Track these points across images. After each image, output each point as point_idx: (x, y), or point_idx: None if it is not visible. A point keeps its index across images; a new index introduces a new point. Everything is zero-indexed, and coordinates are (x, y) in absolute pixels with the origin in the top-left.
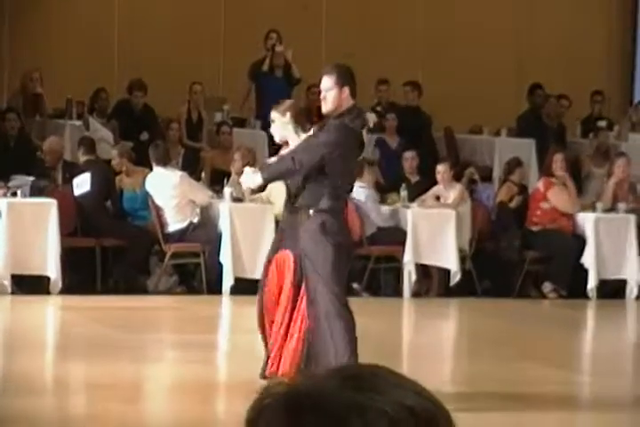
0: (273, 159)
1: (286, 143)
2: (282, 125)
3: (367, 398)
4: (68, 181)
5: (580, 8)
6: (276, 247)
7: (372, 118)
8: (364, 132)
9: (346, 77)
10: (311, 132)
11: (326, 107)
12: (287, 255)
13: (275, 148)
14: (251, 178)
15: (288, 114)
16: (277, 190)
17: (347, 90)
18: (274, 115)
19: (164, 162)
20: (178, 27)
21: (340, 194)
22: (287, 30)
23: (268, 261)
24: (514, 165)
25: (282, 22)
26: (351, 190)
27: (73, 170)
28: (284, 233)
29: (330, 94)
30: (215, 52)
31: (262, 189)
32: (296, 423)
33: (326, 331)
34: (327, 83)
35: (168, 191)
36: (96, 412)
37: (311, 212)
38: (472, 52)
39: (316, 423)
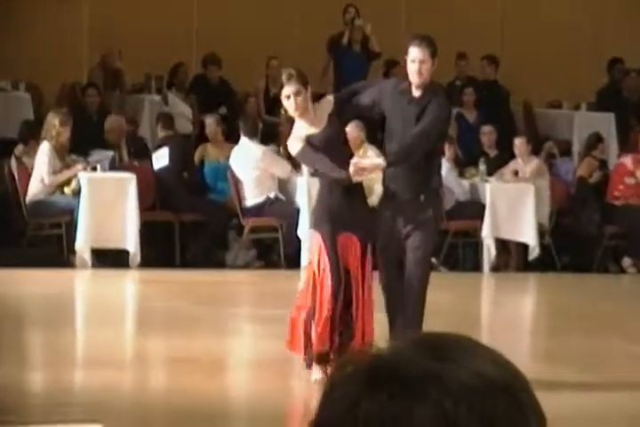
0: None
1: (292, 120)
2: (306, 100)
3: (445, 367)
4: (135, 155)
5: None
6: (338, 227)
7: None
8: None
9: (436, 50)
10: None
11: (421, 79)
12: (352, 240)
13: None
14: (373, 165)
15: (309, 88)
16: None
17: (436, 62)
18: (297, 88)
19: (252, 134)
20: (255, 1)
21: (440, 170)
22: (365, 4)
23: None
24: (595, 140)
25: None
26: None
27: (137, 144)
28: (348, 215)
29: (425, 67)
30: (292, 25)
31: None
32: (373, 392)
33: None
34: (423, 55)
35: (250, 163)
36: (174, 385)
37: (422, 197)
38: (550, 27)
39: (393, 393)
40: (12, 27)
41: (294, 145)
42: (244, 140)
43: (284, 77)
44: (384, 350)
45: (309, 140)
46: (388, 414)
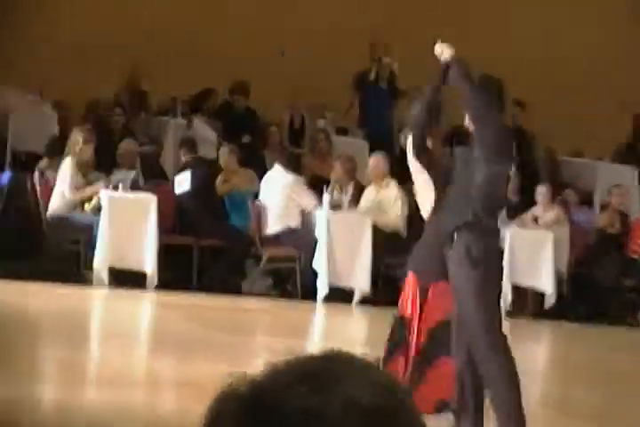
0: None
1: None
2: None
3: (323, 400)
4: (150, 178)
5: None
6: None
7: None
8: None
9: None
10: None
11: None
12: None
13: None
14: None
15: None
16: (389, 199)
17: None
18: None
19: (286, 164)
20: (287, 33)
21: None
22: (393, 42)
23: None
24: (616, 191)
25: (388, 33)
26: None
27: (154, 167)
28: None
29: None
30: (322, 59)
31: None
32: None
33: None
34: None
35: (279, 190)
36: (182, 409)
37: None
38: (579, 79)
39: None
40: (33, 38)
41: None
42: (277, 167)
43: None
44: (263, 382)
45: None
46: None
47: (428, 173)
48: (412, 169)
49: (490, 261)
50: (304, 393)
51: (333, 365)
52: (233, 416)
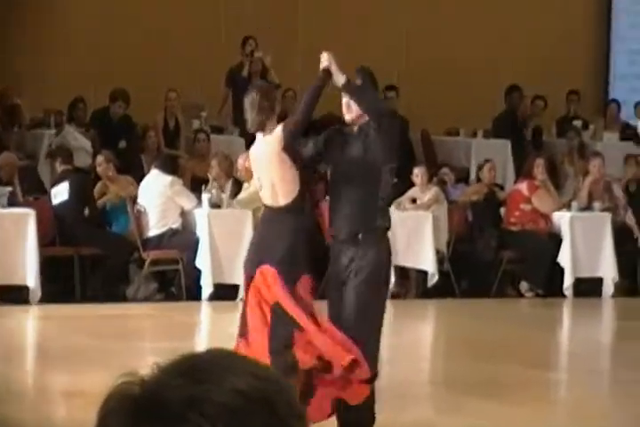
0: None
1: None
2: None
3: (202, 390)
4: (30, 191)
5: (554, 8)
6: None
7: None
8: None
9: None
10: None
11: (350, 115)
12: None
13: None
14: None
15: None
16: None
17: None
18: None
19: (164, 168)
20: (154, 34)
21: (386, 204)
22: (262, 36)
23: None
24: (483, 166)
25: (257, 28)
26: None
27: (32, 180)
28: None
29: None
30: (192, 58)
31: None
32: (138, 424)
33: None
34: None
35: (158, 193)
36: (74, 420)
37: (360, 236)
38: (447, 55)
39: (155, 422)
40: None
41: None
42: (154, 171)
43: None
44: (148, 379)
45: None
46: None
47: (295, 165)
48: (268, 159)
49: (389, 263)
50: (185, 385)
51: (213, 359)
52: (120, 414)
